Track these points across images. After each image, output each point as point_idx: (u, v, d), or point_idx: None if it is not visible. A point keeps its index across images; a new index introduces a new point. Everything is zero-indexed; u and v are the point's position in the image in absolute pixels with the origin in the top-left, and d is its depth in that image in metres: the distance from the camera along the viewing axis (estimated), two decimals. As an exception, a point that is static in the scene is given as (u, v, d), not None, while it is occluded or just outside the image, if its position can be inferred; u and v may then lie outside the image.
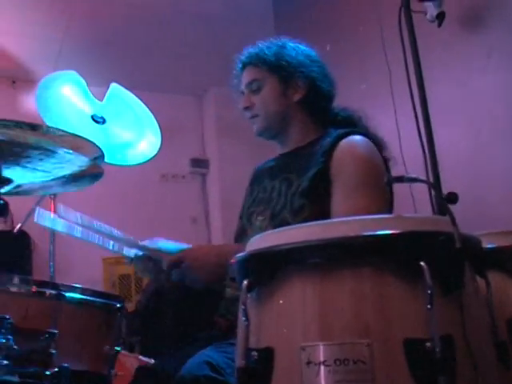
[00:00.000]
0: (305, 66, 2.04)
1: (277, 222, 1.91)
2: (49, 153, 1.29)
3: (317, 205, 1.86)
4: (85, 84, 2.89)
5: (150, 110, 2.91)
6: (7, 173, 1.35)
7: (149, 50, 4.64)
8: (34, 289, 1.53)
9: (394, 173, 1.77)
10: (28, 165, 1.31)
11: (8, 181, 1.38)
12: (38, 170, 1.34)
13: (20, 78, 4.97)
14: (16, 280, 1.53)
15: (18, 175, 1.37)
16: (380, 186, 1.84)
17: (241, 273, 1.20)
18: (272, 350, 1.12)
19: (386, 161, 1.97)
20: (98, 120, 2.83)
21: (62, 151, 1.29)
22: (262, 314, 1.17)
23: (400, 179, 1.24)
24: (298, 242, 1.12)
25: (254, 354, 1.14)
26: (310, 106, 2.06)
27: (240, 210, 2.16)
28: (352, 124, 2.07)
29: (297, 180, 1.93)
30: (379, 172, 1.89)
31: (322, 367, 1.05)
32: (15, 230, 2.54)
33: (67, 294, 1.54)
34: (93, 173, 1.45)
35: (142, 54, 4.71)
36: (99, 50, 4.65)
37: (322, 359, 1.06)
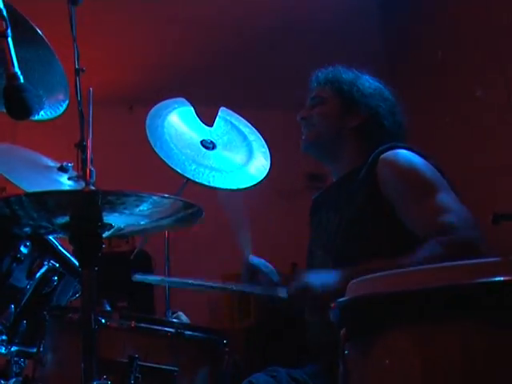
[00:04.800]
0: (372, 97, 2.04)
1: (332, 256, 1.90)
2: (144, 198, 1.29)
3: (369, 231, 1.82)
4: (193, 110, 2.91)
5: (261, 127, 2.85)
6: (107, 218, 1.37)
7: (259, 70, 4.66)
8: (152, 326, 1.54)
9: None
10: (125, 210, 1.32)
11: (109, 226, 1.39)
12: (134, 214, 1.34)
13: (137, 103, 5.14)
14: (134, 317, 1.54)
15: (118, 220, 1.38)
16: (441, 180, 1.80)
17: (339, 320, 1.14)
18: (373, 407, 1.05)
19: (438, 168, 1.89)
20: (208, 146, 2.83)
21: (156, 197, 1.29)
22: (361, 365, 1.11)
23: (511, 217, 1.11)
24: (401, 291, 1.03)
25: (355, 409, 1.08)
26: (364, 135, 2.04)
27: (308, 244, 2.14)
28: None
29: (347, 209, 1.90)
30: (431, 171, 1.83)
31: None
32: (132, 256, 2.60)
33: (186, 332, 1.56)
34: (191, 214, 1.43)
35: (252, 72, 4.75)
36: (210, 72, 4.73)
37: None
